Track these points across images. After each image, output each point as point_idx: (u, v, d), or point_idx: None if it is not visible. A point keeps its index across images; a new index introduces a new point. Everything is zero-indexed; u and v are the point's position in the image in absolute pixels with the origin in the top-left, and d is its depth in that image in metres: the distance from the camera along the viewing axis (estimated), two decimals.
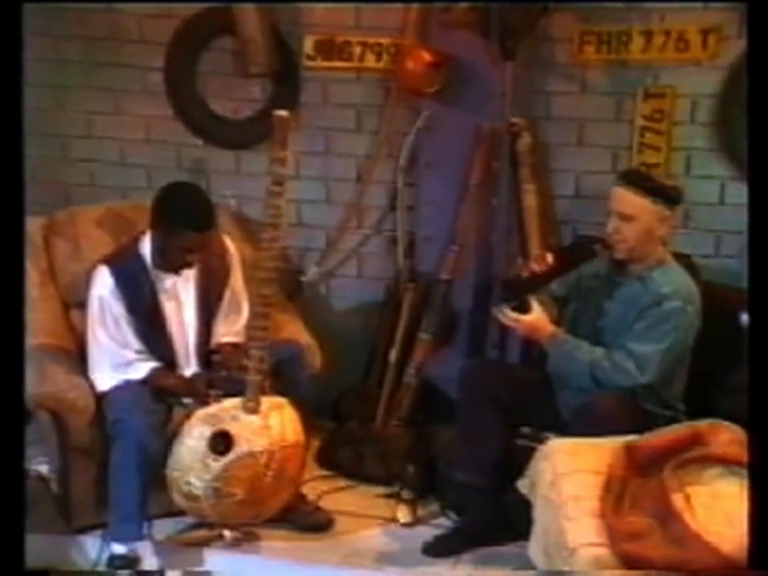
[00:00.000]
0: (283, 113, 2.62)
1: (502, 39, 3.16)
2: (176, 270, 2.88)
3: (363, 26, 3.47)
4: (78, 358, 2.94)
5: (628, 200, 2.65)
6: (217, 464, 2.65)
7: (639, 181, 2.68)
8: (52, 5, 3.36)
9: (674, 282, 2.68)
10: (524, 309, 2.71)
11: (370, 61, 3.47)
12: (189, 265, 2.86)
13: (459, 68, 3.32)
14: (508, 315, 2.72)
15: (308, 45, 3.48)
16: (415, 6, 3.36)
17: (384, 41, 3.44)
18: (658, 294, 2.64)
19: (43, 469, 3.03)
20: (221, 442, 2.66)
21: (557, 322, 2.80)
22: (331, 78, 3.54)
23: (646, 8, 3.20)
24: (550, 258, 2.69)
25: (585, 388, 2.69)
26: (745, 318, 2.76)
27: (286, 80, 3.53)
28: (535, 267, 2.69)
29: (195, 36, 3.55)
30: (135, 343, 2.87)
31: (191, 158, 3.66)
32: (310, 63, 3.51)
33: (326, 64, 3.50)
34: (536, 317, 2.71)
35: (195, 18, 3.50)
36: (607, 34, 3.25)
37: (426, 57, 3.27)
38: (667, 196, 2.66)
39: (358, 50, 3.46)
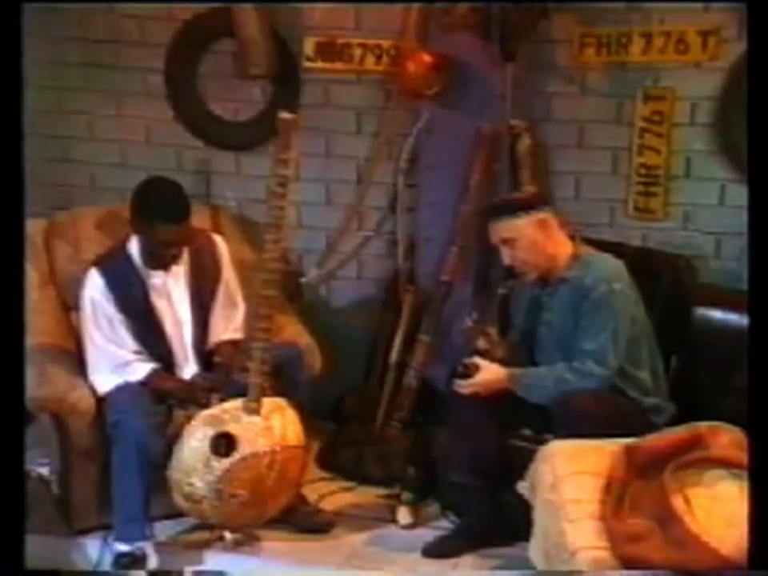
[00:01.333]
0: (288, 114, 2.63)
1: (502, 41, 3.16)
2: (163, 266, 2.89)
3: (363, 27, 3.47)
4: (78, 359, 2.94)
5: (500, 228, 2.74)
6: (220, 465, 2.65)
7: (499, 208, 2.80)
8: (52, 6, 3.37)
9: (592, 269, 2.72)
10: (471, 372, 2.76)
11: (370, 63, 3.48)
12: (174, 259, 2.87)
13: (459, 70, 3.32)
14: (462, 386, 2.76)
15: (308, 47, 3.49)
16: (415, 7, 3.36)
17: (384, 43, 3.44)
18: (582, 287, 2.69)
19: (44, 470, 3.03)
20: (223, 444, 2.66)
21: (521, 360, 2.85)
22: (331, 80, 3.54)
23: (646, 10, 3.20)
24: (474, 317, 2.90)
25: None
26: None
27: (286, 82, 3.53)
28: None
29: (195, 38, 3.55)
30: (132, 343, 2.88)
31: (192, 160, 3.67)
32: (310, 65, 3.51)
33: (326, 66, 3.50)
34: (486, 372, 2.75)
35: (195, 19, 3.50)
36: (607, 36, 3.25)
37: (426, 59, 3.27)
38: (527, 205, 2.75)
39: (358, 51, 3.47)
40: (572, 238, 2.80)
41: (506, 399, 2.80)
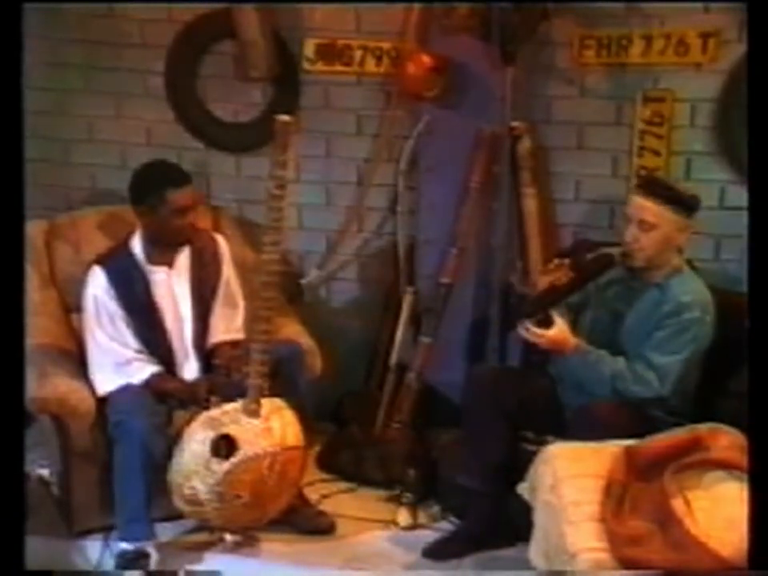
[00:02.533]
0: (285, 117, 2.63)
1: (502, 43, 3.16)
2: (175, 245, 2.92)
3: (364, 29, 3.47)
4: (79, 361, 2.94)
5: (649, 209, 2.64)
6: (221, 467, 2.65)
7: (661, 190, 2.67)
8: (53, 8, 3.37)
9: (693, 290, 2.67)
10: (547, 322, 2.69)
11: (371, 65, 3.48)
12: (185, 238, 2.90)
13: (460, 72, 3.32)
14: (532, 331, 2.69)
15: (308, 48, 3.49)
16: (416, 9, 3.37)
17: (385, 45, 3.45)
18: (678, 302, 2.63)
19: (44, 472, 3.04)
20: (223, 446, 2.66)
21: (572, 330, 2.77)
22: (332, 82, 3.54)
23: (646, 12, 3.20)
24: (568, 269, 2.68)
25: (588, 392, 2.69)
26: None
27: (286, 84, 3.53)
28: (555, 280, 2.68)
29: (196, 40, 3.55)
30: (133, 342, 2.88)
31: (192, 162, 3.65)
32: (311, 67, 3.51)
33: (326, 68, 3.50)
34: (559, 330, 2.69)
35: (196, 21, 3.51)
36: (607, 38, 3.25)
37: (427, 61, 3.27)
38: (687, 205, 2.66)
39: (358, 53, 3.47)
40: (679, 251, 2.74)
41: (516, 403, 2.79)
